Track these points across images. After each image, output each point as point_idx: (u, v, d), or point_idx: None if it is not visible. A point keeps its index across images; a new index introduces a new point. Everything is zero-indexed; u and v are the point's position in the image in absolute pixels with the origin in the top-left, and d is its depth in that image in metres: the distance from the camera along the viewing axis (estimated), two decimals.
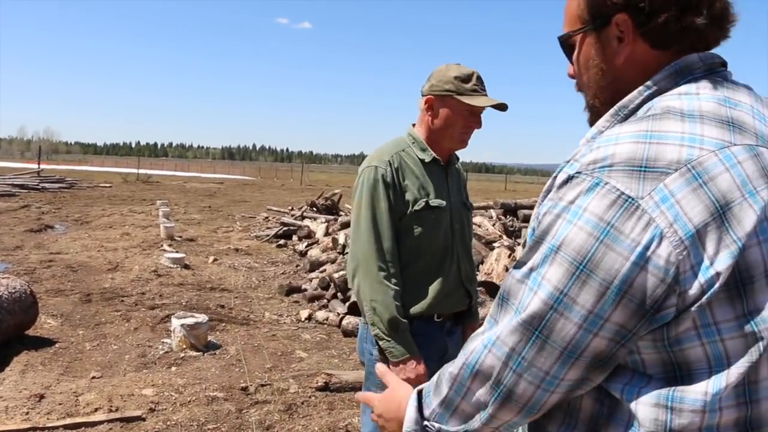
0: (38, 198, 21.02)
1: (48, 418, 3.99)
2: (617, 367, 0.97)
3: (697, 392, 0.91)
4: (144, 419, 4.07)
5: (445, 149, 2.52)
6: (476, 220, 9.62)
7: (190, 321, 5.50)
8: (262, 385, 4.72)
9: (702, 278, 0.86)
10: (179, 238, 12.18)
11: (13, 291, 5.40)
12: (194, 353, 5.38)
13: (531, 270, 0.96)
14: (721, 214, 0.86)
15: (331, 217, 13.33)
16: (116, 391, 4.44)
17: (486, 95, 2.43)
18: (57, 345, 5.50)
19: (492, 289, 6.62)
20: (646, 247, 0.87)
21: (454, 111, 2.42)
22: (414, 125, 2.58)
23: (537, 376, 0.97)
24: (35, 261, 9.24)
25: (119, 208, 18.26)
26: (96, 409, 4.14)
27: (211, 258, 10.11)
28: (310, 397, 4.58)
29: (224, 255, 10.70)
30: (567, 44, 1.15)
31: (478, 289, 6.68)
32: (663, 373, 0.94)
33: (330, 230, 11.49)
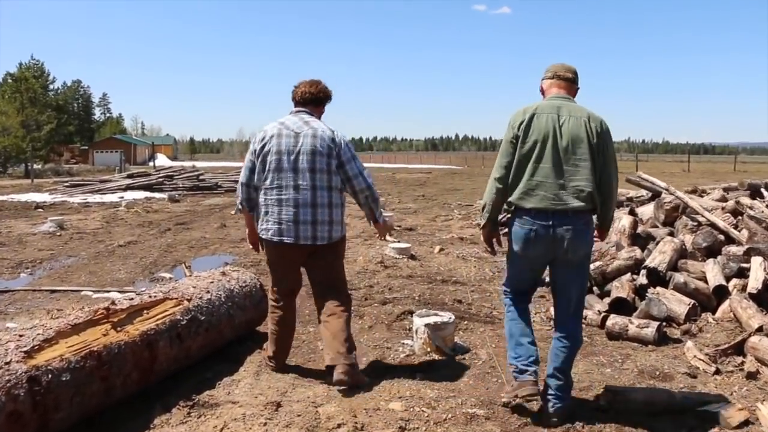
0: None
1: None
2: None
3: None
4: None
5: None
6: (746, 201, 8.02)
7: (434, 320, 4.74)
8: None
9: None
10: (398, 228, 11.69)
11: (243, 285, 4.97)
12: (440, 357, 4.63)
13: None
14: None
15: None
16: (359, 404, 3.79)
17: None
18: None
19: None
20: None
21: None
22: None
23: None
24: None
25: None
26: (339, 425, 3.50)
27: (437, 248, 9.43)
28: (591, 418, 3.62)
29: (449, 244, 9.99)
30: None
31: None
32: None
33: None
